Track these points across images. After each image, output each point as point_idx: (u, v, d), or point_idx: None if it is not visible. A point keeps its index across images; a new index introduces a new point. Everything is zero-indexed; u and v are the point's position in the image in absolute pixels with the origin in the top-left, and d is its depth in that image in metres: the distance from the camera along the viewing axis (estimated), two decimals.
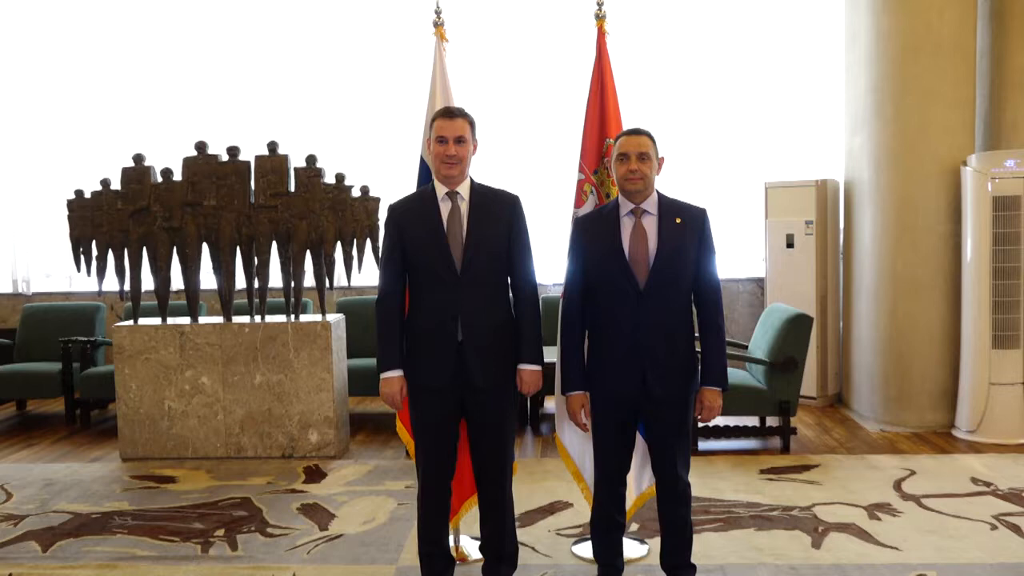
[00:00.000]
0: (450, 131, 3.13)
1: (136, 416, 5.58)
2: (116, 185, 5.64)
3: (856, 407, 6.41)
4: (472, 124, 3.21)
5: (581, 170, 3.93)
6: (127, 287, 5.73)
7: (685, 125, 7.50)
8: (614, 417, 3.22)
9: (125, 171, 5.60)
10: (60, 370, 6.50)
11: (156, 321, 5.72)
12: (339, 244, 5.55)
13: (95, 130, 7.88)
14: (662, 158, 3.18)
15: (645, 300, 3.07)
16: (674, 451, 3.19)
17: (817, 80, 7.33)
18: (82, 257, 5.68)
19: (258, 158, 5.55)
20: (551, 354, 5.93)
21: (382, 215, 5.30)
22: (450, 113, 3.17)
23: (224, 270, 5.64)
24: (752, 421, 5.79)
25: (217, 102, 7.74)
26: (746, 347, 6.06)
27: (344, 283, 5.75)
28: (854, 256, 6.42)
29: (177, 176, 5.60)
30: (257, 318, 5.66)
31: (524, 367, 3.22)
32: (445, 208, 3.15)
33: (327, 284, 5.65)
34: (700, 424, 3.22)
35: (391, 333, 3.17)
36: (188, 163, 5.58)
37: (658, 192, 3.21)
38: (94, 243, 5.66)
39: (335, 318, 5.71)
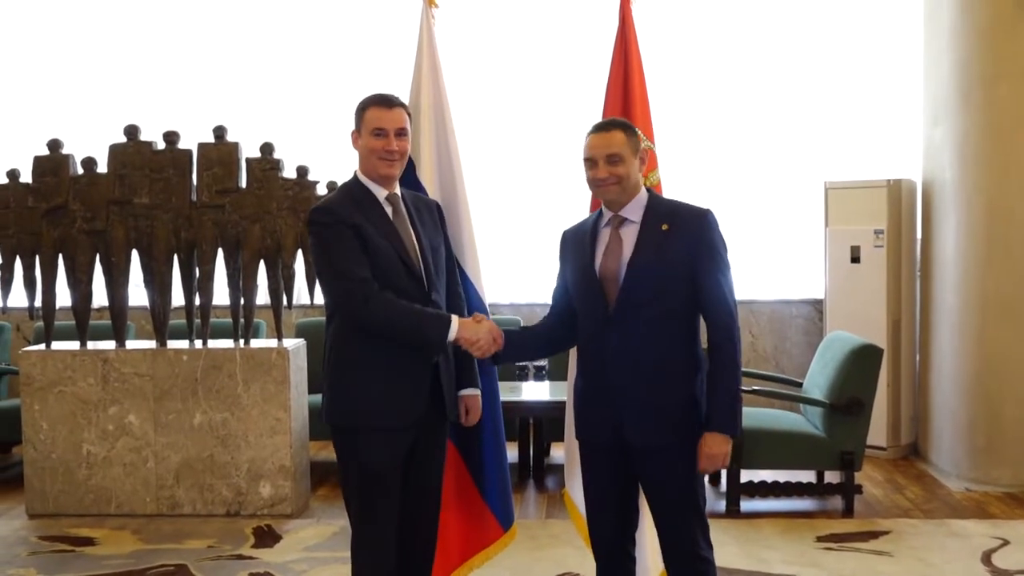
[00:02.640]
0: (389, 122, 3.23)
1: (47, 463, 5.58)
2: (26, 177, 5.66)
3: (935, 460, 6.41)
4: (410, 116, 3.35)
5: None
6: (38, 303, 5.75)
7: (727, 113, 7.54)
8: (597, 476, 3.24)
9: (38, 160, 5.63)
10: None
11: (74, 346, 5.72)
12: (300, 252, 5.58)
13: (2, 110, 7.94)
14: (647, 149, 3.15)
15: (615, 326, 3.08)
16: (678, 520, 3.13)
17: (890, 58, 7.37)
18: None
19: (201, 146, 5.59)
20: (559, 391, 5.99)
21: None
22: (387, 101, 3.26)
23: (158, 283, 5.66)
24: (807, 476, 5.80)
25: (154, 76, 7.78)
26: (800, 385, 6.07)
27: (306, 300, 5.78)
28: (934, 273, 6.45)
29: (102, 167, 5.63)
30: (198, 343, 5.68)
31: (467, 393, 3.48)
32: (391, 213, 3.27)
33: (285, 302, 5.69)
34: (703, 474, 3.20)
35: (413, 308, 3.14)
36: (115, 152, 5.61)
37: (649, 193, 3.22)
38: None
39: (294, 344, 5.73)
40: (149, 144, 5.61)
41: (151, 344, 5.75)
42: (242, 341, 5.65)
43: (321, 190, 5.57)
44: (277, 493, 5.52)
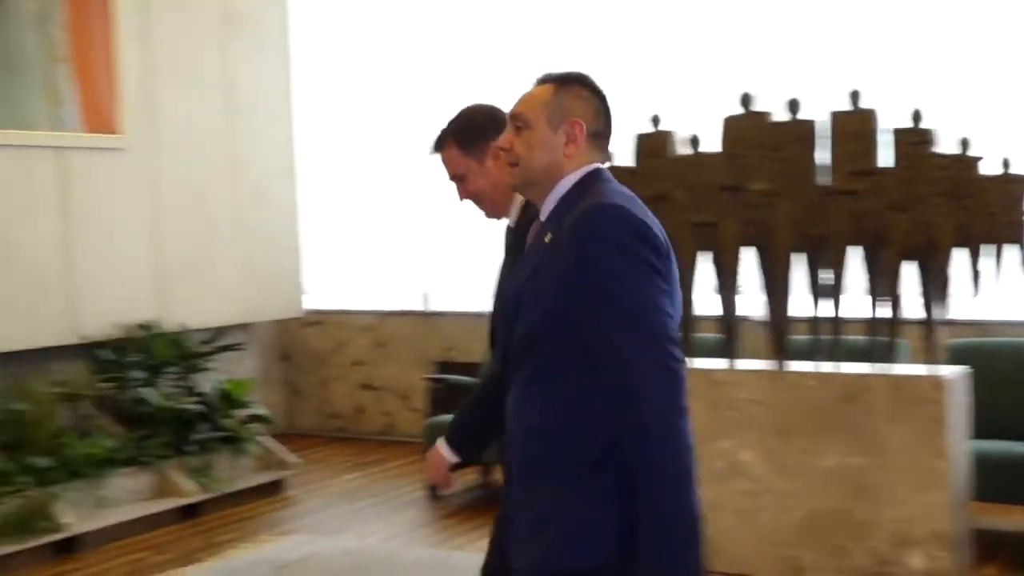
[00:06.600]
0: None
1: None
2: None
3: None
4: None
5: None
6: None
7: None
8: None
9: (640, 139, 6.10)
10: None
11: None
12: (962, 251, 5.56)
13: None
14: (575, 121, 2.75)
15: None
16: None
17: None
18: None
19: (836, 116, 5.68)
20: None
21: None
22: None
23: (776, 286, 5.91)
24: None
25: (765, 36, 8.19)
26: None
27: (962, 314, 5.80)
28: None
29: (707, 145, 5.95)
30: (826, 365, 5.80)
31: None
32: None
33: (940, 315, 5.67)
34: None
35: None
36: (730, 127, 5.87)
37: (584, 181, 2.78)
38: None
39: (953, 371, 5.62)
40: (763, 116, 5.80)
41: (766, 364, 5.94)
42: (885, 364, 5.65)
43: (985, 168, 5.48)
44: (933, 566, 5.43)
